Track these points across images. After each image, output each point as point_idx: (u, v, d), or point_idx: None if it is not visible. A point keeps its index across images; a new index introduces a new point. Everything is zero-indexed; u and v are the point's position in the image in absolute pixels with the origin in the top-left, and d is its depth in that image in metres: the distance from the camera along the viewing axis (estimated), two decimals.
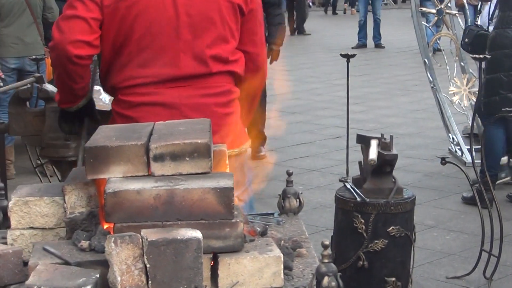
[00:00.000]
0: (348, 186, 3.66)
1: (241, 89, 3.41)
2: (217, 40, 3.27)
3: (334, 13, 25.55)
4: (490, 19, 6.94)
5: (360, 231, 3.57)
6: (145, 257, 2.02)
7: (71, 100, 3.54)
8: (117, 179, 2.23)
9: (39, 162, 5.98)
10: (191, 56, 3.26)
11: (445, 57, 7.99)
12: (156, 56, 3.27)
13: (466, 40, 6.99)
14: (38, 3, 7.52)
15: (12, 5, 7.33)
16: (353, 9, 24.80)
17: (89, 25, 3.29)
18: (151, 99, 3.28)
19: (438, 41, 8.38)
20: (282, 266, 2.17)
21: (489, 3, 6.95)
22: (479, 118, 7.02)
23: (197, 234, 2.05)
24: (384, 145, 3.52)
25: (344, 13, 25.38)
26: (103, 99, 4.05)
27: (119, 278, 2.02)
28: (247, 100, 3.48)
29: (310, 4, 24.17)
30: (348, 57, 5.28)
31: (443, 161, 4.78)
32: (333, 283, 2.06)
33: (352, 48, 15.81)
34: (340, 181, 3.70)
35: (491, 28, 6.78)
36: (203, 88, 3.29)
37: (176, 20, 3.23)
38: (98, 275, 2.04)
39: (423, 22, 8.30)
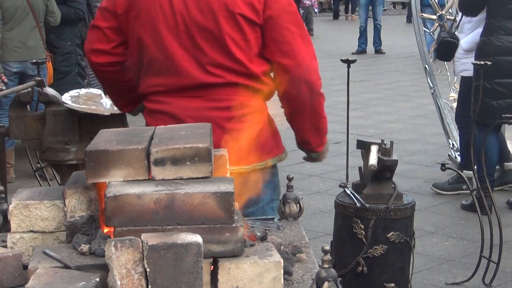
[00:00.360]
0: (348, 192, 3.66)
1: (286, 105, 3.36)
2: (218, 49, 3.22)
3: (335, 18, 25.60)
4: (456, 27, 7.01)
5: (360, 236, 3.56)
6: (145, 261, 2.02)
7: (125, 104, 3.65)
8: (118, 183, 2.23)
9: (39, 165, 5.98)
10: (194, 65, 3.24)
11: (445, 63, 8.00)
12: (164, 65, 3.27)
13: (436, 46, 7.10)
14: (41, 7, 7.53)
15: (15, 9, 7.33)
16: (353, 15, 24.86)
17: (105, 34, 3.38)
18: (160, 108, 3.30)
19: None
20: (282, 271, 2.17)
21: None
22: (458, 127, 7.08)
23: (197, 238, 2.05)
24: (384, 150, 3.52)
25: (346, 19, 25.44)
26: (104, 104, 4.06)
27: (119, 282, 2.02)
28: (301, 118, 3.38)
29: (316, 10, 24.10)
30: (348, 62, 5.27)
31: (443, 167, 4.78)
32: None
33: (352, 53, 15.83)
34: (340, 186, 3.69)
35: (459, 36, 6.81)
36: (212, 100, 3.24)
37: (176, 29, 3.22)
38: (98, 279, 2.04)
39: (424, 28, 8.31)
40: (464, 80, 6.95)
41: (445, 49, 7.03)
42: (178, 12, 3.21)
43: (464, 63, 6.85)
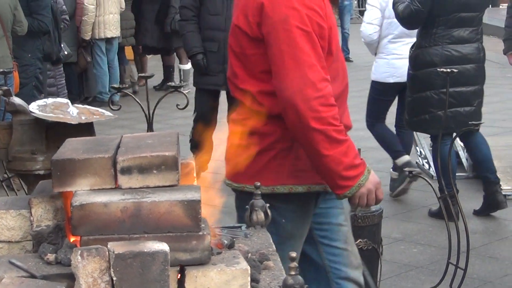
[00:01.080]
0: None
1: None
2: (230, 60, 3.23)
3: None
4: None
5: None
6: (111, 270, 2.02)
7: None
8: (84, 192, 2.22)
9: (6, 175, 5.94)
10: None
11: None
12: None
13: None
14: (9, 17, 7.49)
15: None
16: None
17: None
18: None
19: None
20: (249, 279, 2.18)
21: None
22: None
23: (164, 246, 2.05)
24: None
25: None
26: (71, 112, 4.04)
27: None
28: (303, 148, 3.08)
29: None
30: None
31: (410, 174, 4.81)
32: None
33: None
34: None
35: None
36: (234, 110, 3.28)
37: None
38: None
39: None
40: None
41: None
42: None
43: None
